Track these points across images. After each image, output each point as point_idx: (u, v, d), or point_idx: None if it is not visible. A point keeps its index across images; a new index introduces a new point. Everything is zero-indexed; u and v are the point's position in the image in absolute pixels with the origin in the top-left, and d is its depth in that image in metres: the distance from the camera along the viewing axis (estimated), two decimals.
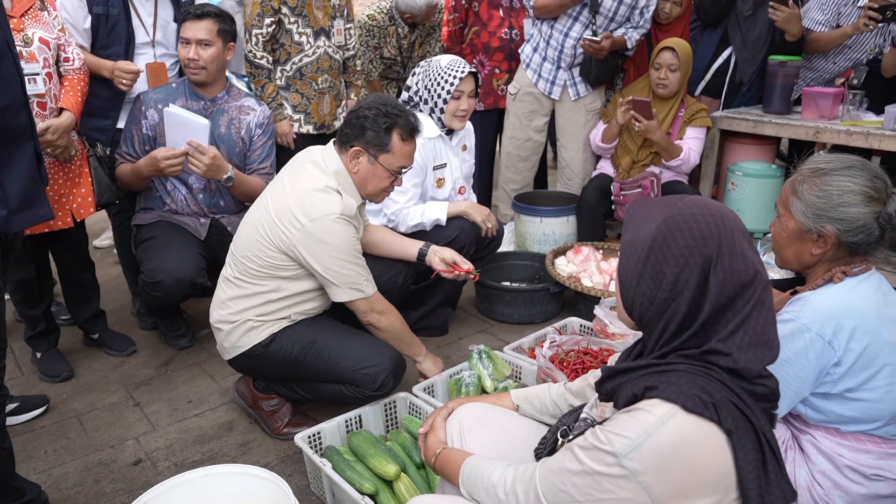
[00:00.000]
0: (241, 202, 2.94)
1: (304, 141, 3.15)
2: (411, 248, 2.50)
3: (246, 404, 2.41)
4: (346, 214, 2.04)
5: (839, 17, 3.41)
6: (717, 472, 1.01)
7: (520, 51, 3.72)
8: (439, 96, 2.75)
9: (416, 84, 2.82)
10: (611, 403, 1.17)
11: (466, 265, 2.43)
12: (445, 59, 2.78)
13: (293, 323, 2.19)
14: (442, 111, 2.77)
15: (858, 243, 1.49)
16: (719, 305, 1.04)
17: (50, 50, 2.43)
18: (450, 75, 2.72)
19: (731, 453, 1.01)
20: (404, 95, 2.89)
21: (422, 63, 2.85)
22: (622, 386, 1.10)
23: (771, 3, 3.40)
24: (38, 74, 2.37)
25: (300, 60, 3.17)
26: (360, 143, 2.09)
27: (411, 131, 2.11)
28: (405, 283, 2.60)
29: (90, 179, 2.67)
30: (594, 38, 3.41)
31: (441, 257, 2.44)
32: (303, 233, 2.02)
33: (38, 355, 2.75)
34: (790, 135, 3.39)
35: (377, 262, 2.44)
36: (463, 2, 3.82)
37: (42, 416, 2.47)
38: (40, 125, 2.35)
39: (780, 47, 3.55)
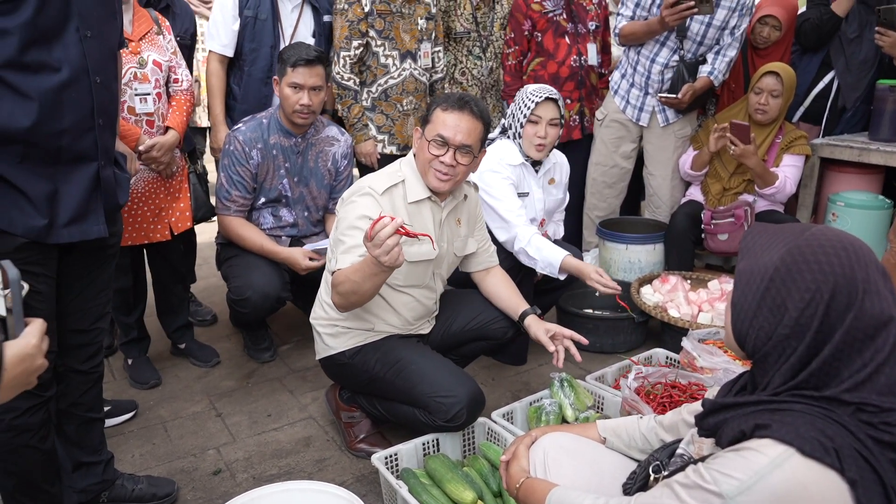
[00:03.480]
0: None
1: (387, 161, 3.15)
2: (517, 308, 2.33)
3: (330, 409, 2.46)
4: (375, 189, 2.07)
5: None
6: None
7: (610, 78, 3.65)
8: (517, 121, 2.70)
9: (510, 108, 2.79)
10: (710, 440, 1.08)
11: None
12: (534, 85, 2.75)
13: (380, 338, 2.19)
14: (519, 136, 2.71)
15: None
16: (845, 346, 0.95)
17: (162, 72, 2.56)
18: (528, 99, 2.66)
19: None
20: (504, 122, 2.85)
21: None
22: (727, 422, 1.02)
23: (877, 28, 3.22)
24: (149, 94, 2.50)
25: (386, 82, 3.22)
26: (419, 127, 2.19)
27: (455, 102, 2.09)
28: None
29: (189, 195, 2.79)
30: (672, 95, 3.32)
31: (534, 334, 2.24)
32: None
33: (129, 362, 2.86)
34: None
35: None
36: (525, 32, 3.58)
37: (130, 421, 2.56)
38: (147, 142, 2.48)
39: (889, 70, 3.34)
